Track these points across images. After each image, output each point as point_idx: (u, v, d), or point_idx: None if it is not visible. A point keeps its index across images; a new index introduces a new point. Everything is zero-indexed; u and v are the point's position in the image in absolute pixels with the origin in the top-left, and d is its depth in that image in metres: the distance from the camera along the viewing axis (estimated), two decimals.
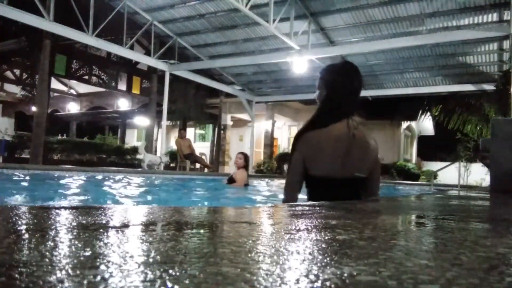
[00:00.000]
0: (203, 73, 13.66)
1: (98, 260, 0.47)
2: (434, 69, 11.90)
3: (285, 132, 20.01)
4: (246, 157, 6.13)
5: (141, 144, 10.97)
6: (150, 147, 14.15)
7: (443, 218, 1.30)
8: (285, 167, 15.66)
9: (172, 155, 15.46)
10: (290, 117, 18.63)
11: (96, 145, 16.27)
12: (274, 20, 9.07)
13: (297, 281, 0.41)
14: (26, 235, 0.64)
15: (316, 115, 1.98)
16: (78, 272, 0.41)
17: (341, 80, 1.96)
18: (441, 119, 13.55)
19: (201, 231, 0.79)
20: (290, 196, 1.96)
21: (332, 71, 2.03)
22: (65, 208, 1.13)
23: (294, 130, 19.69)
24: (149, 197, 5.02)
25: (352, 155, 1.87)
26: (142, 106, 18.44)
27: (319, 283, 0.40)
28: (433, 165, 16.37)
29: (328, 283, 0.40)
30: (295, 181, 1.95)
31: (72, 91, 21.60)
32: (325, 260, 0.51)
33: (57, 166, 9.07)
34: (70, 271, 0.42)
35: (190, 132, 20.00)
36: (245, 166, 6.05)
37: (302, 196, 1.98)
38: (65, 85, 20.57)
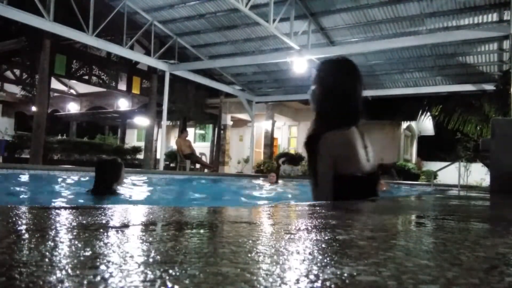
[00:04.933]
0: (203, 73, 13.66)
1: (98, 260, 0.47)
2: (434, 69, 11.89)
3: (285, 132, 19.99)
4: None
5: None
6: (150, 147, 14.16)
7: (443, 218, 1.30)
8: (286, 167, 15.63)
9: (172, 155, 15.47)
10: (290, 117, 18.62)
11: (96, 145, 16.30)
12: (274, 20, 9.07)
13: (297, 281, 0.41)
14: (26, 235, 0.64)
15: (334, 118, 1.91)
16: (78, 272, 0.41)
17: (354, 80, 1.97)
18: (441, 119, 13.54)
19: (201, 231, 0.79)
20: (327, 193, 1.85)
21: (343, 71, 2.00)
22: (65, 208, 1.13)
23: (294, 130, 19.67)
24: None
25: (367, 151, 1.95)
26: (142, 106, 18.43)
27: (319, 283, 0.40)
28: (433, 165, 16.35)
29: (328, 283, 0.40)
30: (329, 179, 1.85)
31: (72, 91, 21.57)
32: (325, 260, 0.51)
33: (57, 166, 9.06)
34: (70, 271, 0.42)
35: (190, 132, 19.99)
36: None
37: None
38: (65, 85, 20.53)
